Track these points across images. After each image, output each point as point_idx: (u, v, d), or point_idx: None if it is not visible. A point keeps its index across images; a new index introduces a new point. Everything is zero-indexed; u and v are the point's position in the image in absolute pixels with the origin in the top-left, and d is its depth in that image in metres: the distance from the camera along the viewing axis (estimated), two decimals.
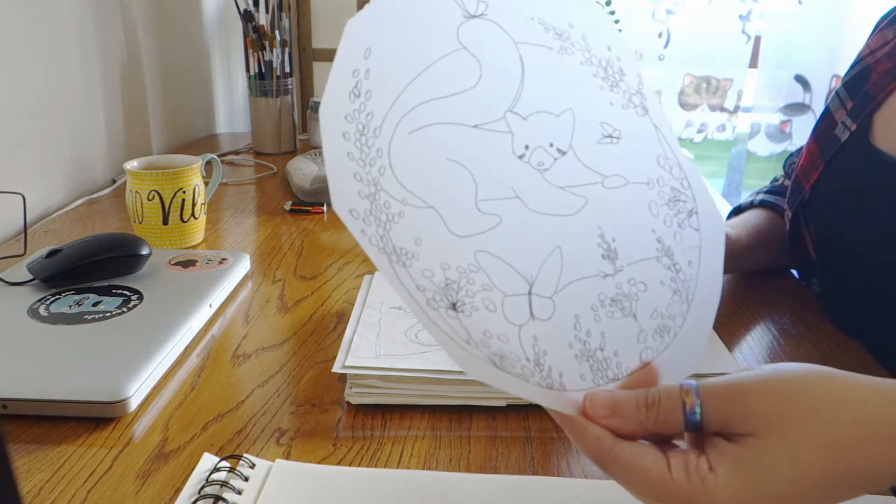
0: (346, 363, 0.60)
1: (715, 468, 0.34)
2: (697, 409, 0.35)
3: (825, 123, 0.78)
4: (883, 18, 0.78)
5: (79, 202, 1.14)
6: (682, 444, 0.38)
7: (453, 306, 0.35)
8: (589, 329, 0.37)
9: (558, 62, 0.37)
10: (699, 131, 2.20)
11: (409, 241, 0.35)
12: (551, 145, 0.37)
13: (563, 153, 0.37)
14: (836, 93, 0.78)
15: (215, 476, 0.49)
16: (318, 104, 1.51)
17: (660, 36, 2.07)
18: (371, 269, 0.86)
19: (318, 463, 0.53)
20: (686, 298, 0.39)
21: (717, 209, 0.39)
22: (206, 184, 1.01)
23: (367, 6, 0.36)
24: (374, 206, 0.35)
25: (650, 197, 0.38)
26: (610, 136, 0.38)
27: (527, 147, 0.36)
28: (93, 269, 0.76)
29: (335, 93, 0.35)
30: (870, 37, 0.78)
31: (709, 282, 0.39)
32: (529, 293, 0.37)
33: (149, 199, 0.91)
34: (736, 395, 0.35)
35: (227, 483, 0.48)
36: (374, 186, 0.35)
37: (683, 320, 0.38)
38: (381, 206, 0.35)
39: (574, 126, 0.37)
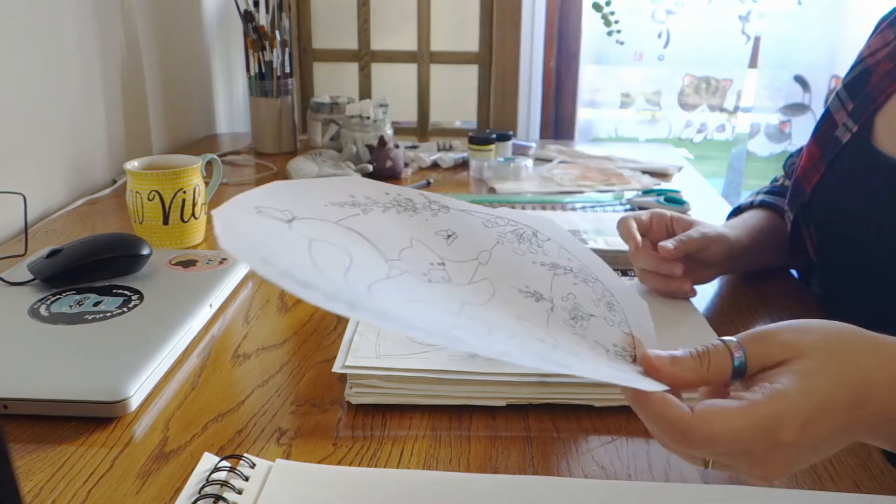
0: (347, 363, 0.60)
1: (779, 381, 0.39)
2: (742, 353, 0.41)
3: (826, 125, 0.78)
4: (883, 19, 0.78)
5: (79, 202, 1.14)
6: None
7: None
8: (587, 345, 0.44)
9: (370, 218, 0.45)
10: (699, 131, 2.19)
11: None
12: (432, 264, 0.44)
13: (443, 264, 0.45)
14: (837, 94, 0.78)
15: (216, 476, 0.49)
16: (318, 104, 1.51)
17: (660, 36, 2.07)
18: None
19: (318, 463, 0.53)
20: (594, 279, 0.47)
21: (541, 218, 0.47)
22: (207, 184, 1.01)
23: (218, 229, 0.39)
24: None
25: (508, 247, 0.47)
26: (450, 236, 0.46)
27: (424, 273, 0.43)
28: (93, 269, 0.76)
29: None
30: (870, 38, 0.78)
31: (587, 257, 0.48)
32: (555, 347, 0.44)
33: (149, 199, 0.91)
34: (768, 335, 0.41)
35: (228, 483, 0.48)
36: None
37: (609, 290, 0.47)
38: None
39: (427, 246, 0.45)
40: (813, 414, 0.38)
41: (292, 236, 0.40)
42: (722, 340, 0.41)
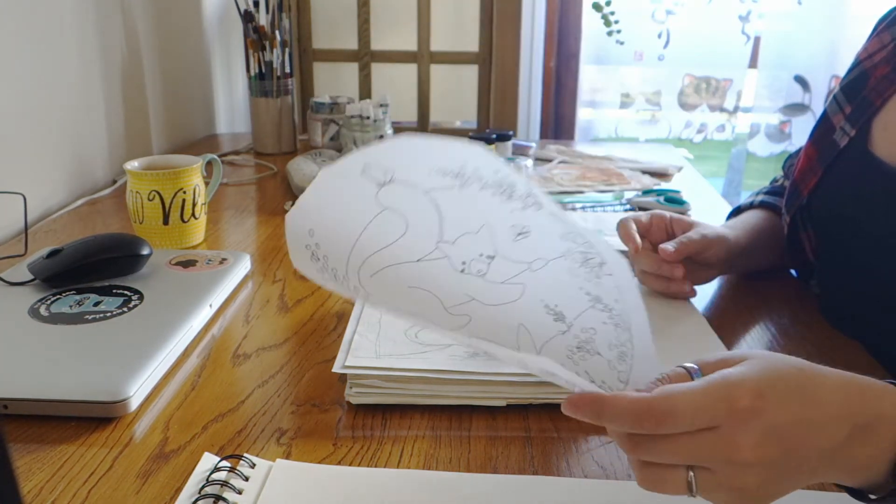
0: (347, 363, 0.60)
1: (728, 371, 0.40)
2: (699, 373, 0.42)
3: (823, 127, 0.78)
4: (880, 22, 0.78)
5: (79, 202, 1.14)
6: None
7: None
8: (576, 370, 0.46)
9: (463, 194, 0.45)
10: (699, 131, 2.19)
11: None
12: (481, 255, 0.46)
13: (492, 258, 0.46)
14: (834, 97, 0.77)
15: (216, 476, 0.49)
16: (318, 104, 1.51)
17: (660, 36, 2.07)
18: None
19: (318, 463, 0.53)
20: (626, 327, 0.47)
21: (617, 254, 0.47)
22: (207, 184, 1.01)
23: (298, 201, 0.45)
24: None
25: (567, 265, 0.47)
26: (521, 234, 0.47)
27: (463, 262, 0.46)
28: (93, 269, 0.76)
29: (298, 256, 0.44)
30: (867, 40, 0.78)
31: (634, 307, 0.48)
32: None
33: (149, 200, 0.91)
34: (722, 356, 0.43)
35: (228, 483, 0.48)
36: (365, 304, 0.44)
37: (632, 343, 0.46)
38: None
39: (492, 236, 0.46)
40: (764, 381, 0.39)
41: (370, 205, 0.44)
42: (682, 366, 0.43)
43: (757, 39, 2.10)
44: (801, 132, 2.09)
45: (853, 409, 0.40)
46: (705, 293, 0.83)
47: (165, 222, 0.93)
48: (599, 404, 0.40)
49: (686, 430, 0.38)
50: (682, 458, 0.39)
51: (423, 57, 1.82)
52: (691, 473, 0.39)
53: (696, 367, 0.42)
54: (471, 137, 1.36)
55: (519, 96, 1.83)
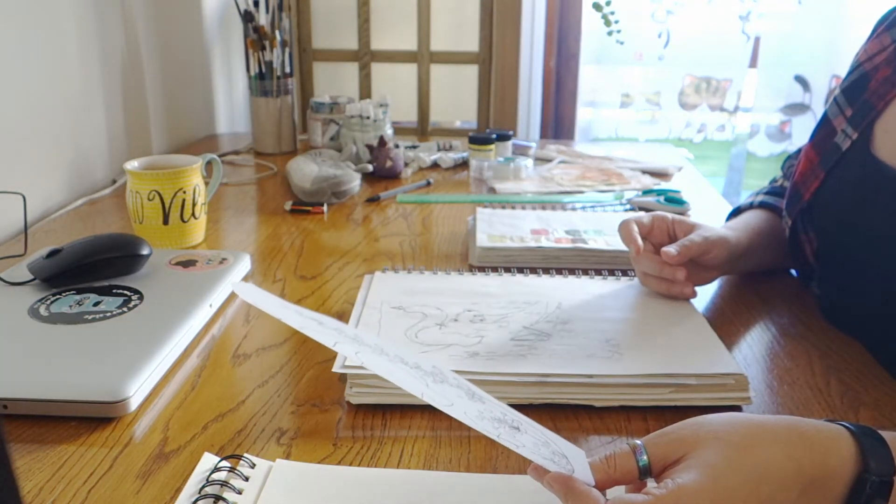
0: (346, 363, 0.60)
1: (679, 477, 0.41)
2: (644, 451, 0.44)
3: (824, 131, 0.77)
4: (879, 23, 0.78)
5: (79, 202, 1.14)
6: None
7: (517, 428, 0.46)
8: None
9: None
10: (699, 131, 2.19)
11: None
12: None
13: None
14: (835, 99, 0.77)
15: (216, 476, 0.49)
16: (318, 104, 1.51)
17: (660, 36, 2.07)
18: (370, 269, 0.86)
19: (319, 463, 0.53)
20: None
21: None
22: (207, 184, 1.01)
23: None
24: None
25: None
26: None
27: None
28: (93, 269, 0.76)
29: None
30: (867, 41, 0.78)
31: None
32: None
33: (149, 199, 0.91)
34: (666, 433, 0.45)
35: (228, 483, 0.48)
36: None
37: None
38: None
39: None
40: (715, 489, 0.41)
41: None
42: (628, 443, 0.45)
43: (757, 39, 2.09)
44: (801, 132, 2.09)
45: (803, 471, 0.42)
46: (705, 293, 0.83)
47: (165, 222, 0.93)
48: (569, 486, 0.43)
49: None
50: None
51: (423, 57, 1.82)
52: None
53: (640, 444, 0.45)
54: (470, 138, 1.36)
55: (519, 96, 1.83)
